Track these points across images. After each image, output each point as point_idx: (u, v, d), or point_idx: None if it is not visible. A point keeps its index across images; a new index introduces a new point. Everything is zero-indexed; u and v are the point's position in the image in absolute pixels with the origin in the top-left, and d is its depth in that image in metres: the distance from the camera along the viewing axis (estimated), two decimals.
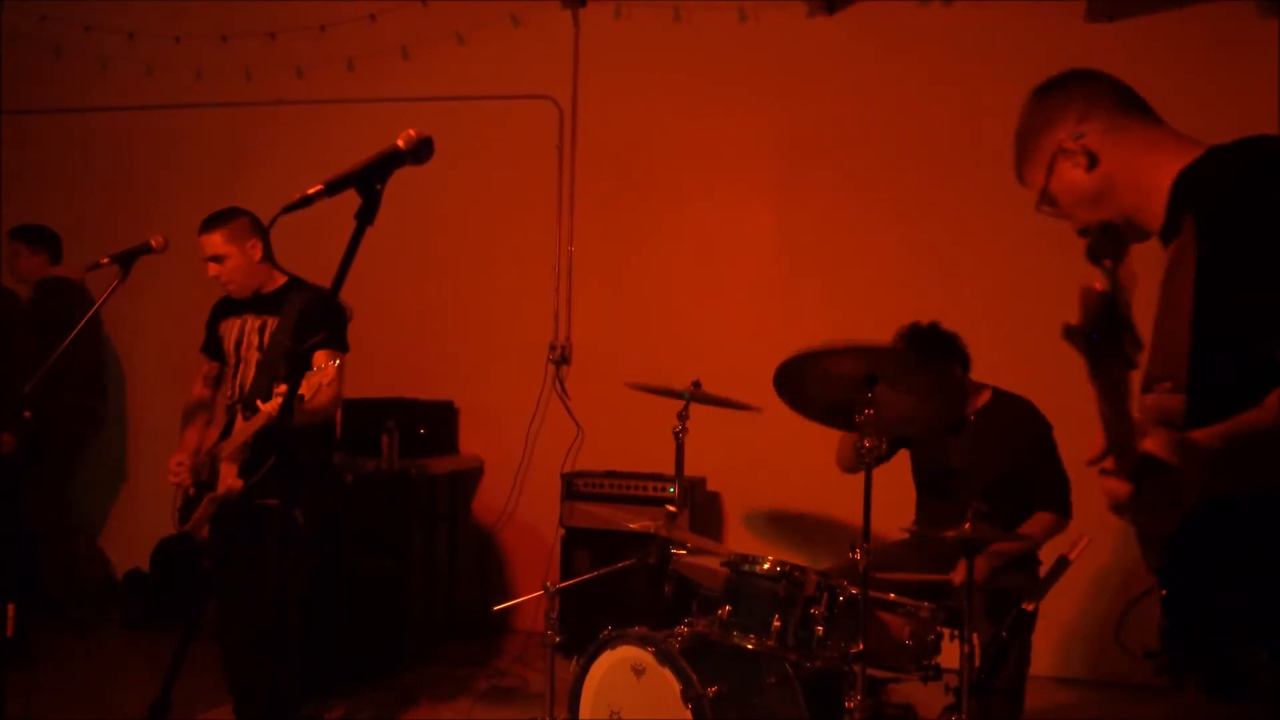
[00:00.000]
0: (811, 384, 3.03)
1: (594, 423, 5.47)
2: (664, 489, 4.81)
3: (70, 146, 6.28)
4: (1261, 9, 4.72)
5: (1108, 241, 1.13)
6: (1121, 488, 1.32)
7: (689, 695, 2.92)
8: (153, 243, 3.06)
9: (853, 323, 4.97)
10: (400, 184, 1.85)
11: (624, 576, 3.93)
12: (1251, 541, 1.52)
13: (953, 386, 3.16)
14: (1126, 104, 1.76)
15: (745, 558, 3.09)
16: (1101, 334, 1.13)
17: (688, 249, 5.48)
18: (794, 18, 5.32)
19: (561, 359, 5.60)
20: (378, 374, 5.00)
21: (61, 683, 4.46)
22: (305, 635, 3.92)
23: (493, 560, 5.69)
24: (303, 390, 3.04)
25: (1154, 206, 1.66)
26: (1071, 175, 1.76)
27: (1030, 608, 2.86)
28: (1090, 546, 2.80)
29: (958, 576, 3.39)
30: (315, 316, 3.47)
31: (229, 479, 3.44)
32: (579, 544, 5.00)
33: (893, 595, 3.04)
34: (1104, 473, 1.34)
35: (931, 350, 3.53)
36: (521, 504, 5.57)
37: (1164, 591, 1.62)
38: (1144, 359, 1.23)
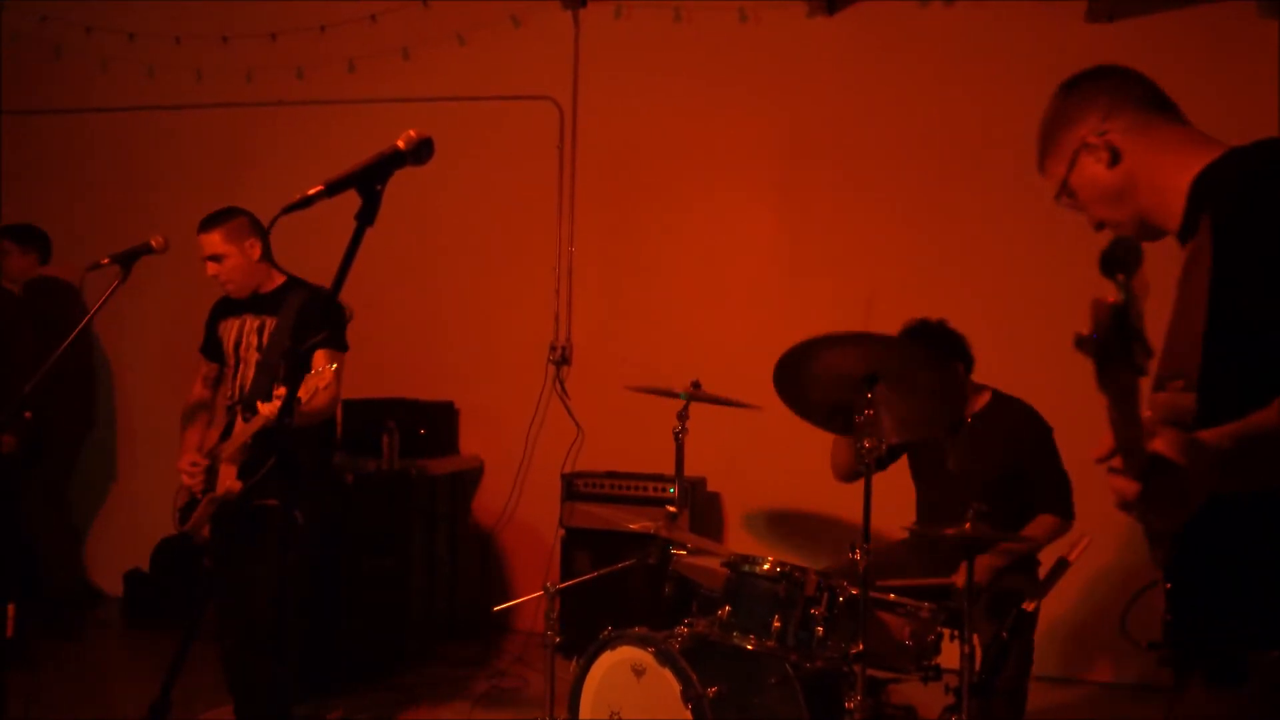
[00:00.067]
0: (811, 384, 3.02)
1: (594, 423, 5.47)
2: (664, 489, 4.81)
3: (70, 147, 6.28)
4: (1262, 9, 4.72)
5: (1121, 256, 1.15)
6: (1130, 487, 1.33)
7: (689, 696, 2.92)
8: (153, 243, 3.06)
9: (852, 323, 4.98)
10: (401, 184, 1.85)
11: (624, 577, 3.93)
12: (1257, 539, 1.53)
13: (953, 387, 3.16)
14: (1153, 102, 1.77)
15: (745, 558, 3.09)
16: (1111, 344, 1.14)
17: (688, 249, 5.48)
18: (794, 18, 5.32)
19: (562, 359, 5.60)
20: (378, 374, 5.01)
21: (61, 683, 4.46)
22: (305, 635, 3.93)
23: (493, 560, 5.69)
24: (300, 393, 3.04)
25: (1172, 206, 1.66)
26: (1093, 170, 1.77)
27: (1031, 608, 2.86)
28: (1090, 547, 2.80)
29: (961, 579, 3.39)
30: (314, 316, 3.47)
31: (228, 480, 3.44)
32: (579, 544, 5.00)
33: (893, 596, 3.04)
34: (1112, 471, 1.35)
35: (937, 347, 3.53)
36: (522, 504, 5.57)
37: (1169, 585, 1.63)
38: (1156, 357, 1.25)
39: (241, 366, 3.61)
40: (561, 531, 5.08)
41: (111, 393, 6.20)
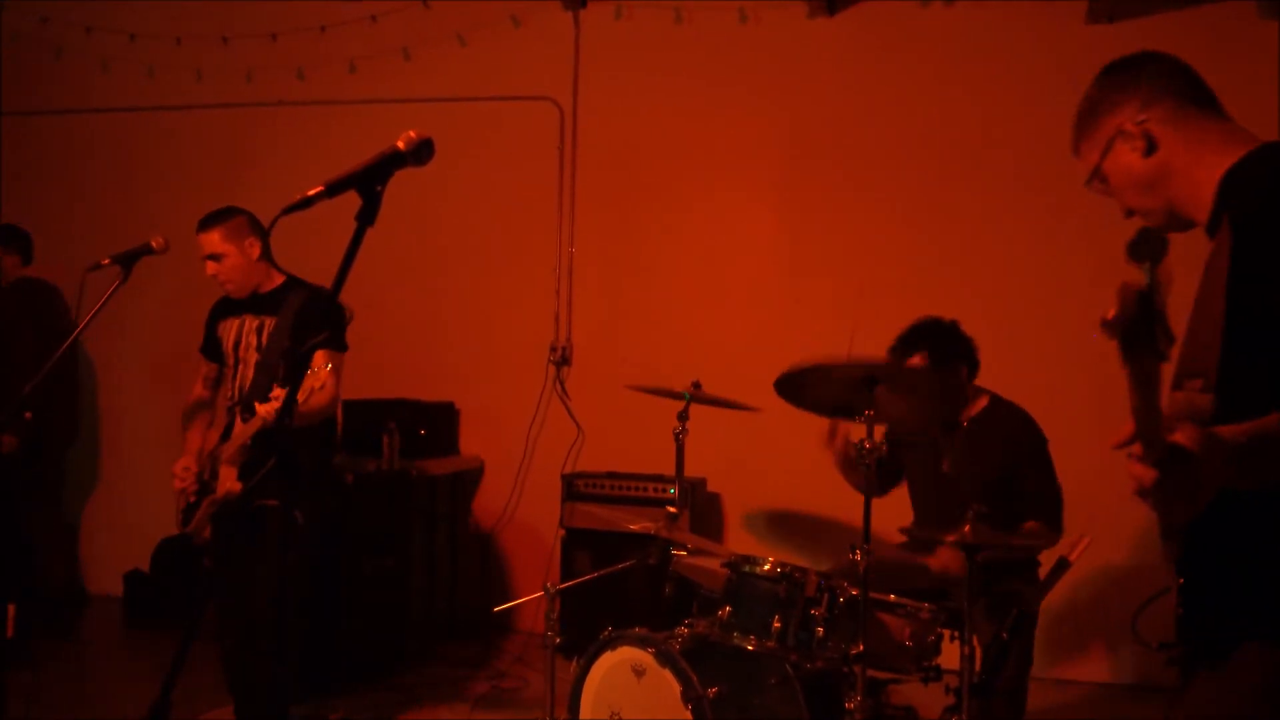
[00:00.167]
0: (812, 388, 3.04)
1: (594, 424, 5.47)
2: (664, 490, 4.81)
3: (71, 147, 6.28)
4: (1262, 10, 4.72)
5: (1148, 244, 1.20)
6: (1147, 474, 1.36)
7: (689, 696, 2.92)
8: (153, 244, 3.06)
9: (853, 323, 4.97)
10: (401, 185, 1.85)
11: (624, 577, 3.93)
12: (1269, 535, 1.54)
13: (953, 389, 3.16)
14: (1193, 94, 1.76)
15: (746, 559, 3.09)
16: (1136, 328, 1.19)
17: (688, 250, 5.48)
18: (795, 18, 5.32)
19: (562, 360, 5.60)
20: (379, 375, 5.01)
21: (61, 683, 4.46)
22: (305, 635, 3.93)
23: (493, 561, 5.69)
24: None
25: (1203, 199, 1.66)
26: (1128, 159, 1.77)
27: (1031, 609, 2.87)
28: (1091, 548, 2.80)
29: (935, 562, 3.40)
30: (314, 317, 3.47)
31: (228, 482, 3.44)
32: (579, 545, 5.00)
33: (893, 596, 3.04)
34: (1132, 458, 1.38)
35: (945, 347, 3.53)
36: (522, 505, 5.57)
37: (1180, 580, 1.64)
38: (1176, 354, 1.28)
39: (241, 367, 3.61)
40: (562, 532, 5.08)
41: (96, 395, 6.20)
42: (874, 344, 3.60)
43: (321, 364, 3.17)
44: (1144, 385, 1.27)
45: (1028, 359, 4.65)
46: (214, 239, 3.55)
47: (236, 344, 3.63)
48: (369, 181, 1.76)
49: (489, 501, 5.66)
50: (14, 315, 5.00)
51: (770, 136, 5.37)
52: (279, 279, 3.66)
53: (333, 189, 1.74)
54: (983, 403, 3.66)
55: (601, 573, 3.85)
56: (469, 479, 5.67)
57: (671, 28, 5.44)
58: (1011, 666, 3.13)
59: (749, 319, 5.34)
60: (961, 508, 2.94)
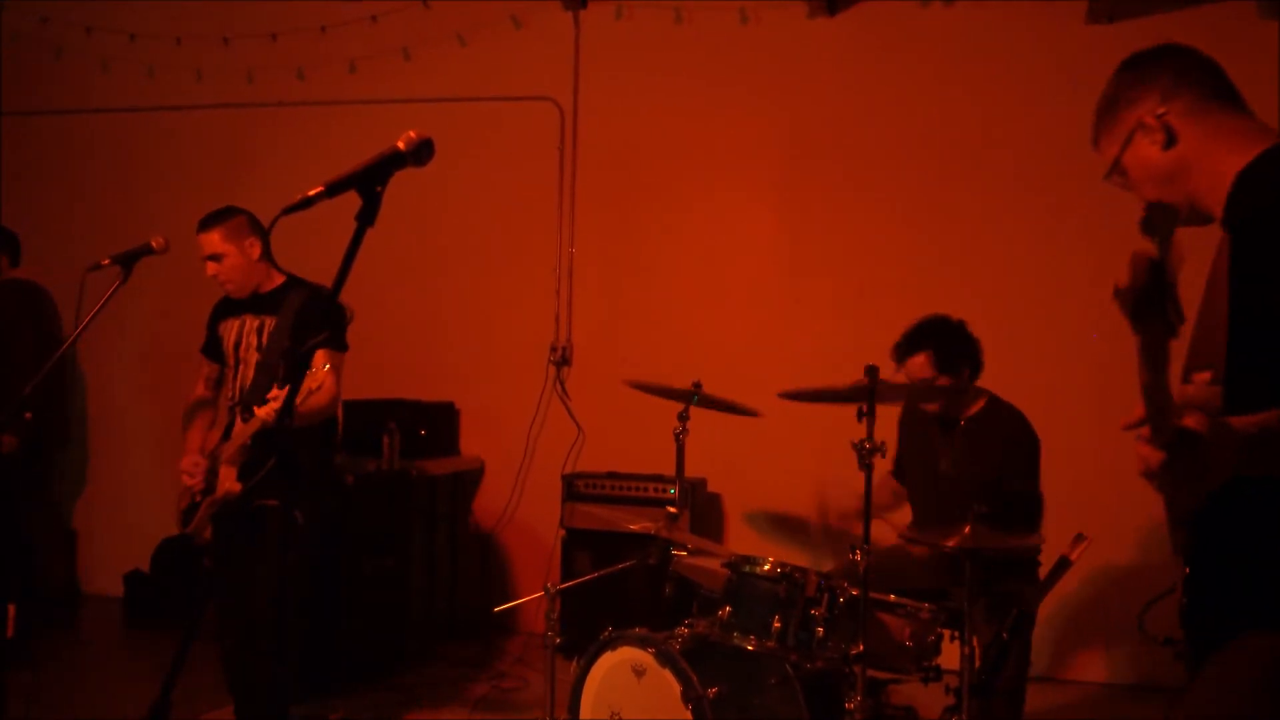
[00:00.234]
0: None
1: (595, 424, 5.47)
2: (665, 490, 4.81)
3: (71, 147, 6.28)
4: (1262, 10, 4.72)
5: (1159, 219, 1.22)
6: (1155, 455, 1.37)
7: (689, 696, 2.92)
8: (153, 244, 3.06)
9: (853, 323, 4.99)
10: (401, 185, 1.85)
11: (624, 578, 3.93)
12: (1274, 527, 1.54)
13: (953, 390, 3.17)
14: (1214, 88, 1.77)
15: (746, 559, 3.09)
16: (1147, 296, 1.20)
17: (688, 250, 5.48)
18: (795, 19, 5.32)
19: (562, 360, 5.60)
20: (379, 375, 5.01)
21: (61, 683, 4.46)
22: (305, 635, 3.93)
23: (493, 561, 5.69)
24: None
25: (1220, 194, 1.66)
26: (1148, 152, 1.77)
27: (1031, 609, 2.87)
28: (1091, 548, 2.80)
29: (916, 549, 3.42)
30: (314, 316, 3.47)
31: (228, 482, 3.43)
32: (579, 545, 5.00)
33: (893, 596, 3.04)
34: (1140, 439, 1.40)
35: (951, 347, 3.53)
36: (522, 505, 5.57)
37: (1186, 570, 1.64)
38: (1184, 349, 1.28)
39: (241, 367, 3.61)
40: (562, 532, 5.08)
41: (84, 396, 6.19)
42: (874, 344, 3.61)
43: (321, 364, 3.17)
44: (1153, 359, 1.28)
45: (1028, 359, 4.64)
46: (214, 239, 3.55)
47: (237, 344, 3.62)
48: (369, 182, 1.76)
49: (489, 502, 5.66)
50: (13, 315, 4.99)
51: (770, 136, 5.37)
52: (279, 279, 3.66)
53: (333, 189, 1.74)
54: (981, 403, 3.67)
55: (602, 573, 3.85)
56: (469, 479, 5.67)
57: (671, 28, 5.44)
58: (1011, 666, 3.13)
59: (749, 319, 5.34)
60: (961, 508, 2.94)
